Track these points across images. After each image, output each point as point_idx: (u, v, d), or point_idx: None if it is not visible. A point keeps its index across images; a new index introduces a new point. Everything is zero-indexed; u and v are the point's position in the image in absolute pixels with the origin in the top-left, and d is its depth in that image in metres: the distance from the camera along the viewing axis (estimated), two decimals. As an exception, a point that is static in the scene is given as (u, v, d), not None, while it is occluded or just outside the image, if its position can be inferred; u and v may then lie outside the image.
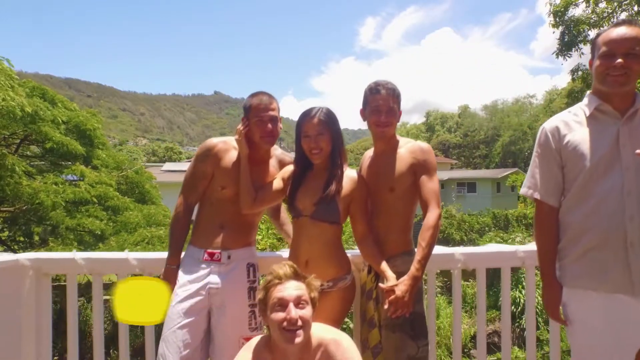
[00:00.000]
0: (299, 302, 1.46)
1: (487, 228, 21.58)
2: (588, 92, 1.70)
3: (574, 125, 1.64)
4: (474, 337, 9.77)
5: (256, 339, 1.57)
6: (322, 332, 1.55)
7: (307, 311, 1.46)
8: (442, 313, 10.93)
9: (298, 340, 1.41)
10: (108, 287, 2.27)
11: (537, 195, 1.71)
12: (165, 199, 10.78)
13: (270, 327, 1.49)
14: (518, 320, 11.07)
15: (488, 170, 37.91)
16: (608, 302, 1.55)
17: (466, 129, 50.80)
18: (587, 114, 1.63)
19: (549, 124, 1.71)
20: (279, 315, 1.44)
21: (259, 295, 1.52)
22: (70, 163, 7.95)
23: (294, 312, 1.43)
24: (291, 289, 1.47)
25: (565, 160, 1.64)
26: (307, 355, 1.50)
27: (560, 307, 1.70)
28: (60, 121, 7.64)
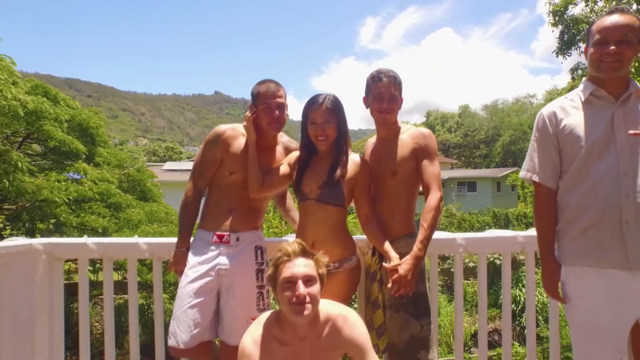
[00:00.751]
0: (307, 279, 1.50)
1: (487, 227, 21.66)
2: (584, 78, 1.76)
3: (571, 110, 1.71)
4: (474, 335, 9.80)
5: (266, 314, 1.62)
6: (329, 307, 1.60)
7: (315, 288, 1.51)
8: (442, 312, 10.90)
9: (306, 312, 1.47)
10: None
11: (535, 178, 1.77)
12: (167, 198, 10.84)
13: (280, 302, 1.55)
14: (518, 318, 11.10)
15: (488, 169, 37.93)
16: (605, 277, 1.61)
17: (466, 129, 50.80)
18: (583, 99, 1.69)
19: (546, 110, 1.77)
20: (288, 292, 1.49)
21: (269, 271, 1.57)
22: (71, 162, 7.98)
23: (302, 289, 1.47)
24: (300, 266, 1.51)
25: (562, 143, 1.70)
26: (315, 329, 1.55)
27: (559, 286, 1.76)
28: (63, 119, 7.68)
